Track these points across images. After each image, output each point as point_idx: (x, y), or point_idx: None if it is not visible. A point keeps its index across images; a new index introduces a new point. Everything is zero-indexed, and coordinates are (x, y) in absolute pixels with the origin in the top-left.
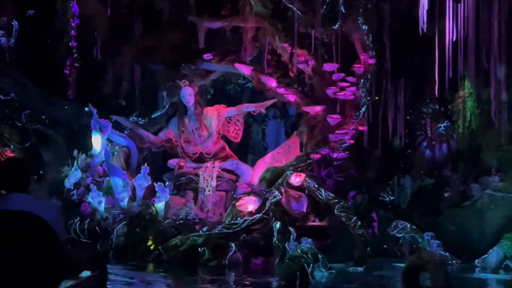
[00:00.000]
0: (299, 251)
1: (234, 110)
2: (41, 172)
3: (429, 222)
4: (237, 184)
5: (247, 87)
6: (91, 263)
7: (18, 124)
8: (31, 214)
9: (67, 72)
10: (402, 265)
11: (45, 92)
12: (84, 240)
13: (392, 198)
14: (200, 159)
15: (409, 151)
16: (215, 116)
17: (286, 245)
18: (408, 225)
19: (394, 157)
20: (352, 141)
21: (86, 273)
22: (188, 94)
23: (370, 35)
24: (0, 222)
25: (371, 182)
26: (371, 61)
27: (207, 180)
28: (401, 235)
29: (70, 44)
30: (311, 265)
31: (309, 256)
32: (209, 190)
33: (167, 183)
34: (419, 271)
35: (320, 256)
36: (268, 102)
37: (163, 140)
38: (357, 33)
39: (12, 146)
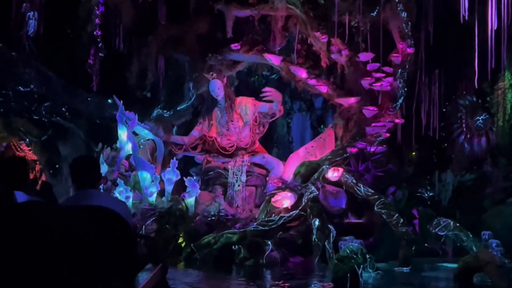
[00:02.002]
0: (348, 251)
1: (267, 108)
2: (57, 166)
3: (472, 219)
4: (267, 179)
5: (272, 79)
6: (152, 256)
7: (35, 117)
8: (110, 209)
9: (91, 62)
10: (449, 265)
11: (67, 83)
12: (143, 233)
13: (431, 194)
14: (230, 153)
15: (445, 145)
16: (250, 104)
17: (326, 243)
18: (452, 223)
19: (431, 151)
20: (388, 134)
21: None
22: (217, 87)
23: (409, 23)
24: (82, 217)
25: (410, 177)
26: (410, 50)
27: (236, 175)
28: (444, 233)
29: (94, 33)
30: (361, 266)
31: (359, 256)
32: (239, 185)
33: (194, 177)
34: (474, 272)
35: (367, 256)
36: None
37: (196, 138)
38: (396, 21)
39: (28, 139)
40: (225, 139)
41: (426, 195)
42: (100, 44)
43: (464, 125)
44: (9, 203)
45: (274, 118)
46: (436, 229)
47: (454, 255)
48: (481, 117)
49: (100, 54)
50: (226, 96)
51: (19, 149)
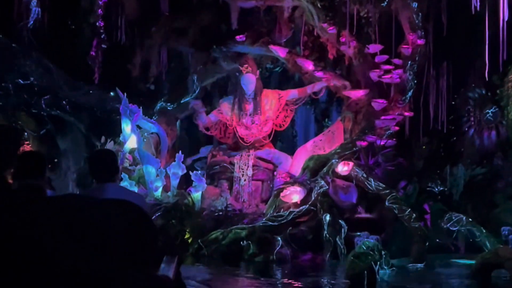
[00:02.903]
0: (364, 247)
1: (296, 93)
2: (55, 160)
3: (483, 214)
4: (275, 173)
5: (275, 72)
6: (168, 248)
7: (34, 111)
8: (133, 203)
9: (93, 54)
10: (462, 261)
11: (69, 76)
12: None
13: (441, 188)
14: (237, 147)
15: (454, 138)
16: (276, 99)
17: (337, 239)
18: (464, 218)
19: (440, 145)
20: (397, 128)
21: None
22: (250, 82)
23: (420, 14)
24: (113, 210)
25: (421, 172)
26: (420, 42)
27: (242, 169)
28: (456, 228)
29: (97, 24)
30: (378, 263)
31: (375, 253)
32: (245, 180)
33: (199, 171)
34: (493, 269)
35: (383, 252)
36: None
37: (212, 122)
38: (406, 11)
39: (26, 133)
40: (247, 131)
41: (436, 189)
42: (103, 35)
43: (473, 118)
44: (46, 197)
45: (301, 103)
46: (448, 224)
47: (467, 250)
48: (491, 110)
49: (103, 46)
50: (256, 90)
51: None
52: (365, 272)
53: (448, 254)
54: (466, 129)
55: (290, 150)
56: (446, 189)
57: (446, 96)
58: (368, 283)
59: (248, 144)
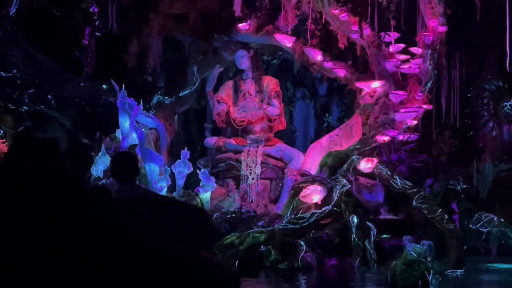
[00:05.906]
0: (414, 254)
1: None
2: None
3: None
4: (285, 171)
5: (273, 64)
6: None
7: (12, 107)
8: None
9: (86, 43)
10: (501, 266)
11: (59, 67)
12: None
13: (464, 186)
14: (243, 140)
15: (471, 133)
16: (273, 84)
17: (366, 243)
18: (495, 218)
19: (461, 140)
20: (415, 122)
21: None
22: (240, 56)
23: None
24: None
25: (448, 168)
26: (442, 29)
27: (250, 167)
28: (487, 229)
29: (91, 10)
30: (432, 271)
31: (428, 260)
32: (253, 178)
33: (202, 169)
34: None
35: (429, 259)
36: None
37: (222, 109)
38: None
39: (2, 130)
40: (238, 113)
41: (459, 187)
42: (97, 22)
43: (487, 112)
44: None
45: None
46: (478, 225)
47: (499, 253)
48: (509, 103)
49: (97, 34)
50: (253, 67)
51: None
52: (419, 282)
53: (479, 257)
54: (485, 123)
55: (290, 146)
56: (469, 186)
57: (460, 88)
58: None
59: (240, 128)
